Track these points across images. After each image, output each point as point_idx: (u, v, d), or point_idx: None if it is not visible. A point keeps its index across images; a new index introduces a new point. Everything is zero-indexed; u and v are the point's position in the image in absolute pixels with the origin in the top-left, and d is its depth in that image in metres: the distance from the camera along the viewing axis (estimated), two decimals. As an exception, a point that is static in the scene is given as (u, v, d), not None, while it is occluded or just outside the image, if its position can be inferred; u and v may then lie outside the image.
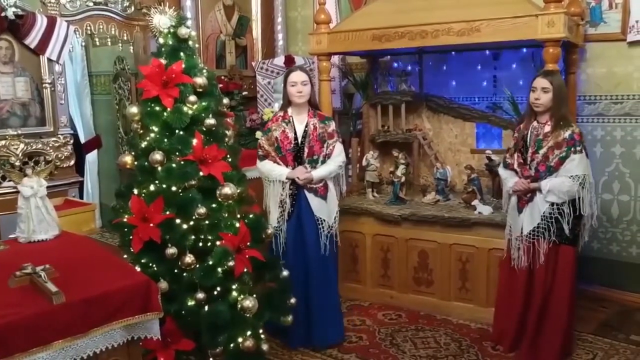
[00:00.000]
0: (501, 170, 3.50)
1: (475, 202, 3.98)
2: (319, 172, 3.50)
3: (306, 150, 3.49)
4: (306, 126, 3.52)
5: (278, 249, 3.50)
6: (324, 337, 3.59)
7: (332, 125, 3.60)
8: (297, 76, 3.48)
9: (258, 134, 5.15)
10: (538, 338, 3.33)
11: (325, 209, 3.54)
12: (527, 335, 3.36)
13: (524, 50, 4.37)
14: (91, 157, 6.58)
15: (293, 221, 3.51)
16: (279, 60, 5.61)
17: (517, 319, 3.38)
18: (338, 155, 3.58)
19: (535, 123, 3.29)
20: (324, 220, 3.52)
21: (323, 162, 3.53)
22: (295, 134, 3.51)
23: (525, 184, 3.24)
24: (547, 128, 3.21)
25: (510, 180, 3.36)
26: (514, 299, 3.38)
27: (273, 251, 3.48)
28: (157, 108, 2.80)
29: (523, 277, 3.32)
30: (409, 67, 4.83)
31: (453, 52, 4.63)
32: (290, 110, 3.56)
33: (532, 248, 3.26)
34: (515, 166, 3.34)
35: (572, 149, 3.15)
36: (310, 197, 3.50)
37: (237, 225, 2.85)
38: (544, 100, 3.18)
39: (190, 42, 2.93)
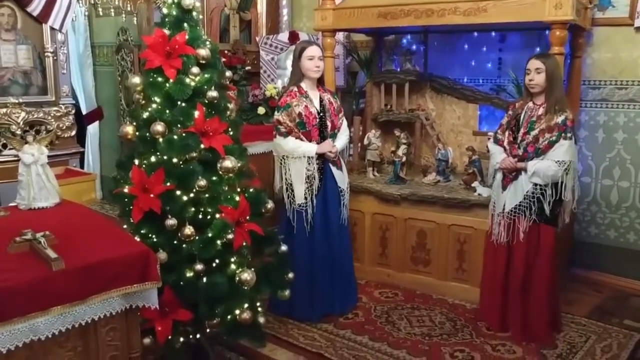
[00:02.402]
0: (491, 145, 3.54)
1: (475, 184, 3.99)
2: (339, 144, 3.62)
3: (329, 124, 3.57)
4: (322, 101, 3.56)
5: (304, 225, 3.52)
6: (346, 303, 3.77)
7: (338, 100, 3.75)
8: (314, 50, 3.49)
9: (260, 109, 5.15)
10: (526, 317, 3.39)
11: (343, 180, 3.69)
12: (512, 313, 3.43)
13: (530, 32, 4.34)
14: (92, 129, 6.57)
15: (320, 195, 3.57)
16: (283, 36, 5.57)
17: (501, 294, 3.46)
18: (346, 127, 3.74)
19: (531, 104, 3.34)
20: (344, 190, 3.66)
21: (335, 135, 3.64)
22: (315, 108, 3.53)
23: (512, 162, 3.29)
24: (542, 110, 3.26)
25: (498, 155, 3.42)
26: (496, 275, 3.46)
27: (294, 229, 3.53)
28: (160, 79, 2.78)
29: (503, 254, 3.40)
30: (414, 47, 4.80)
31: (459, 33, 4.60)
32: (304, 85, 3.55)
33: (513, 225, 3.32)
34: (505, 144, 3.38)
35: (563, 134, 3.20)
36: (334, 169, 3.61)
37: (237, 198, 2.85)
38: (538, 80, 3.22)
39: (194, 13, 2.89)
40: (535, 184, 3.24)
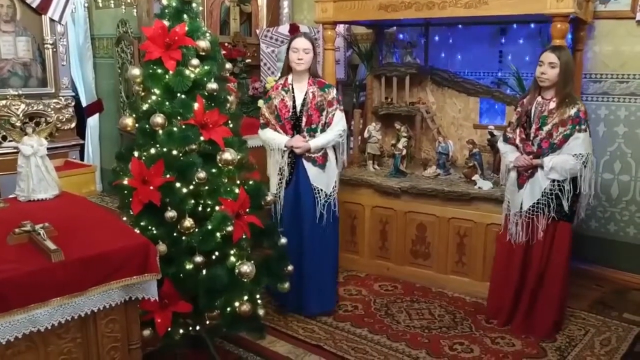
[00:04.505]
0: (501, 145, 3.50)
1: (475, 177, 3.98)
2: (317, 141, 3.48)
3: (304, 119, 3.48)
4: (305, 94, 3.50)
5: (276, 216, 3.53)
6: (314, 306, 3.61)
7: (333, 93, 3.54)
8: (299, 43, 3.44)
9: (260, 102, 5.14)
10: (532, 312, 3.38)
11: (324, 179, 3.53)
12: (520, 309, 3.41)
13: (532, 25, 4.33)
14: (92, 121, 6.57)
15: (291, 189, 3.52)
16: (284, 29, 5.55)
17: (513, 293, 3.42)
18: (337, 123, 3.53)
19: (539, 99, 3.27)
20: (321, 190, 3.51)
21: (322, 130, 3.51)
22: (294, 102, 3.49)
23: (527, 160, 3.24)
24: (552, 104, 3.20)
25: (510, 154, 3.37)
26: (510, 274, 3.41)
27: (272, 217, 3.51)
28: (159, 70, 2.77)
29: (520, 253, 3.35)
30: (415, 39, 4.78)
31: (460, 26, 4.58)
32: (290, 78, 3.53)
33: (531, 224, 3.28)
34: (518, 141, 3.34)
35: (577, 127, 3.14)
36: (308, 166, 3.50)
37: (237, 191, 2.85)
38: (550, 75, 3.16)
39: (193, 5, 2.88)
40: (553, 180, 3.18)
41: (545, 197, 3.22)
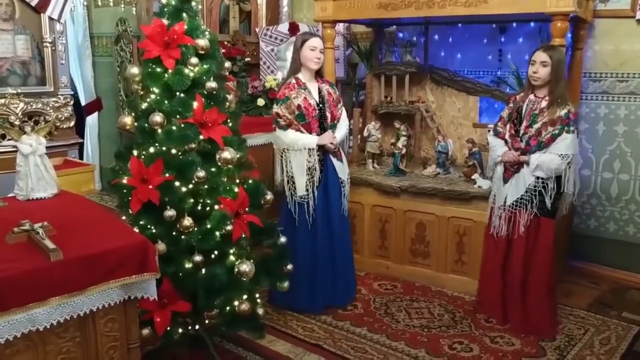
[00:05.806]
0: (491, 138, 3.53)
1: (475, 176, 3.98)
2: (338, 135, 3.62)
3: (329, 115, 3.56)
4: (319, 92, 3.55)
5: (306, 217, 3.52)
6: (347, 295, 3.79)
7: (337, 90, 3.74)
8: (318, 42, 3.51)
9: (260, 101, 5.13)
10: (527, 311, 3.39)
11: (344, 171, 3.69)
12: (515, 307, 3.43)
13: (531, 24, 4.32)
14: (91, 120, 6.56)
15: (321, 187, 3.57)
16: (283, 27, 5.54)
17: (500, 288, 3.46)
18: (345, 118, 3.73)
19: (532, 96, 3.31)
20: (345, 182, 3.67)
21: (335, 126, 3.63)
22: (314, 100, 3.52)
23: (514, 155, 3.28)
24: (544, 103, 3.23)
25: (499, 148, 3.42)
26: (496, 268, 3.46)
27: (296, 221, 3.52)
28: (158, 69, 2.76)
29: (502, 247, 3.41)
30: (415, 38, 4.78)
31: (459, 24, 4.58)
32: (301, 77, 3.54)
33: (513, 218, 3.33)
34: (507, 137, 3.38)
35: (566, 128, 3.18)
36: (334, 161, 3.61)
37: (236, 190, 2.85)
38: (542, 74, 3.19)
39: (193, 3, 2.88)
40: (538, 177, 3.23)
41: (529, 193, 3.27)
